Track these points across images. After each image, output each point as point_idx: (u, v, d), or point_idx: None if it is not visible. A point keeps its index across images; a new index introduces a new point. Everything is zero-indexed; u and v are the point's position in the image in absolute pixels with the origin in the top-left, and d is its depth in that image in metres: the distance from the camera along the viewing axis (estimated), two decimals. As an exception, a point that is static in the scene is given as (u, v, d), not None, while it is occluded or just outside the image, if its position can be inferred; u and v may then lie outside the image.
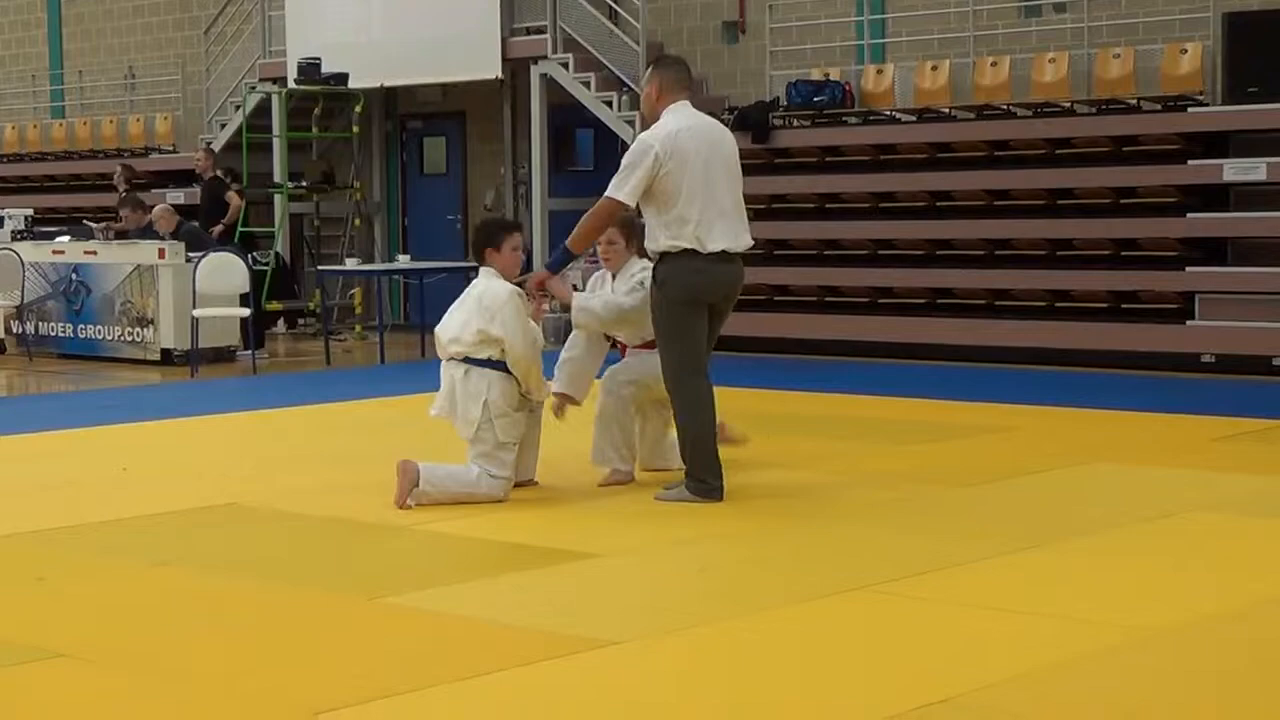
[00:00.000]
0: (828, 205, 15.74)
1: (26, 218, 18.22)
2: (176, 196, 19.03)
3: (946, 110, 15.27)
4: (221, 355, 15.30)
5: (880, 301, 15.30)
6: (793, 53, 16.51)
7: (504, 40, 17.61)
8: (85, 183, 21.78)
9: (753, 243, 7.95)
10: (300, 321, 18.87)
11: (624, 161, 7.73)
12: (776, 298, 15.68)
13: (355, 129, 18.73)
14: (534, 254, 15.47)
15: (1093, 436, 9.96)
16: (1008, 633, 5.54)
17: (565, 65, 17.16)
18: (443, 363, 7.91)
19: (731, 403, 8.77)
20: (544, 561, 6.67)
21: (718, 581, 6.48)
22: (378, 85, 18.71)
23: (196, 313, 14.57)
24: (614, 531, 7.27)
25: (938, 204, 15.17)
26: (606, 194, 7.72)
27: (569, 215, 13.86)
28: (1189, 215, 13.76)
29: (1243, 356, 13.20)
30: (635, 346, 8.42)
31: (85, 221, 18.17)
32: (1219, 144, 13.87)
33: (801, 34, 16.58)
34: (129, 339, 15.43)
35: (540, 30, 17.43)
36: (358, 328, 18.16)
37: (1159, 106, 14.19)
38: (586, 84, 17.03)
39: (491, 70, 17.78)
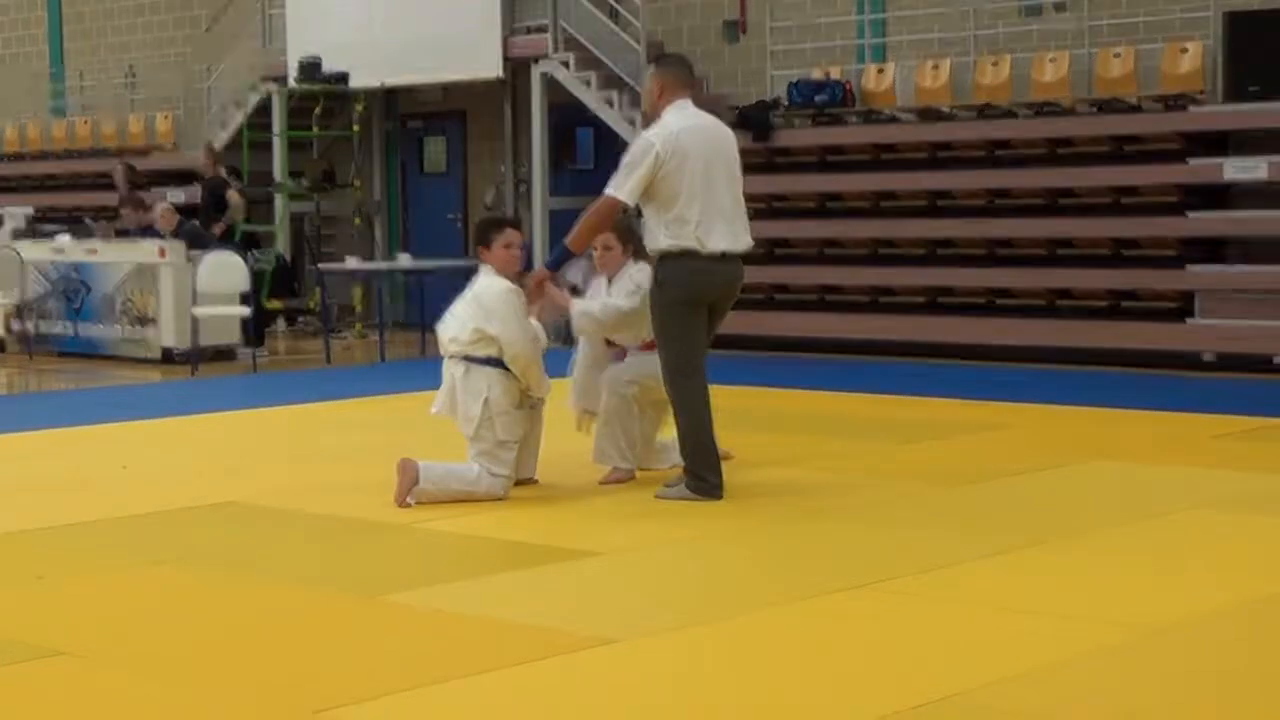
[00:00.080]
0: (828, 204, 15.74)
1: (27, 217, 18.23)
2: (177, 195, 19.01)
3: (947, 110, 15.26)
4: (222, 354, 15.31)
5: (880, 300, 15.30)
6: (793, 52, 16.50)
7: (505, 39, 17.61)
8: (86, 182, 21.75)
9: (753, 243, 7.95)
10: (300, 320, 18.88)
11: (625, 160, 7.74)
12: (777, 297, 15.68)
13: (356, 128, 18.73)
14: (534, 253, 15.47)
15: (1093, 435, 9.96)
16: (1008, 631, 5.54)
17: (566, 64, 17.16)
18: (444, 360, 7.92)
19: (732, 401, 8.77)
20: (544, 559, 6.68)
21: (717, 579, 6.49)
22: (378, 84, 18.69)
23: (197, 311, 14.57)
24: (614, 529, 7.28)
25: (938, 203, 15.16)
26: (607, 192, 7.73)
27: (569, 214, 13.85)
28: (1189, 214, 13.75)
29: (1243, 355, 13.20)
30: (635, 348, 8.42)
31: (86, 220, 18.18)
32: (1219, 143, 13.86)
33: (802, 33, 16.56)
34: (129, 337, 15.44)
35: (541, 29, 17.43)
36: (358, 326, 18.17)
37: (1159, 105, 14.17)
38: (587, 83, 17.03)
39: (492, 69, 17.79)
